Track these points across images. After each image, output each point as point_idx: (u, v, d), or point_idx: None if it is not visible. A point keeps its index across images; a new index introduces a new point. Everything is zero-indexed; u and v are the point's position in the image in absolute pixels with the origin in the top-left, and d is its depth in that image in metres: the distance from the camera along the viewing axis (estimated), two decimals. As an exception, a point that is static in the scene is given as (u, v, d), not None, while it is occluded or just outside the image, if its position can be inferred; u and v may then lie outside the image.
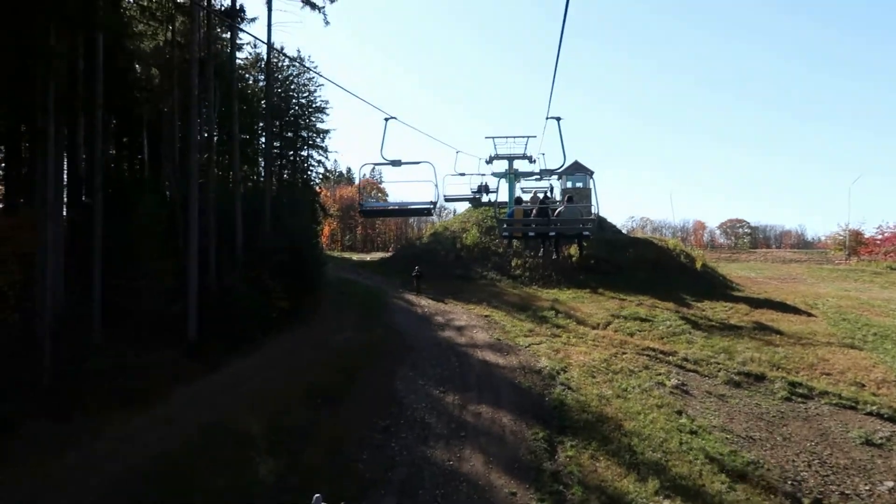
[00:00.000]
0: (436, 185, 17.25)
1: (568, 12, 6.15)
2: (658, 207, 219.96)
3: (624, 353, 21.46)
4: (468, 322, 24.86)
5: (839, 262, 58.57)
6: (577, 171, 41.73)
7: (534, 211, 18.52)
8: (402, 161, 16.81)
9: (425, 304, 28.49)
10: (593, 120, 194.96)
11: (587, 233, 18.34)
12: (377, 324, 23.95)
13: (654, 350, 22.02)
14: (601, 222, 45.22)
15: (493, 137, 38.43)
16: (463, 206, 46.41)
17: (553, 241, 22.01)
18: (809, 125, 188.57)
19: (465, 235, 37.84)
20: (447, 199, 37.74)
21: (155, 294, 18.53)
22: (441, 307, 27.75)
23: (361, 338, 22.16)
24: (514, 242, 36.36)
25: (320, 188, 63.77)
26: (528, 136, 37.79)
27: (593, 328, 25.21)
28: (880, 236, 55.01)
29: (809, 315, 28.43)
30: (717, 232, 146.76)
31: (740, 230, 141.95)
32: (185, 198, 20.70)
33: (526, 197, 22.94)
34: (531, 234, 19.52)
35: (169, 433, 13.76)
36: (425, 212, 19.04)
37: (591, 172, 42.16)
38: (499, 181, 39.53)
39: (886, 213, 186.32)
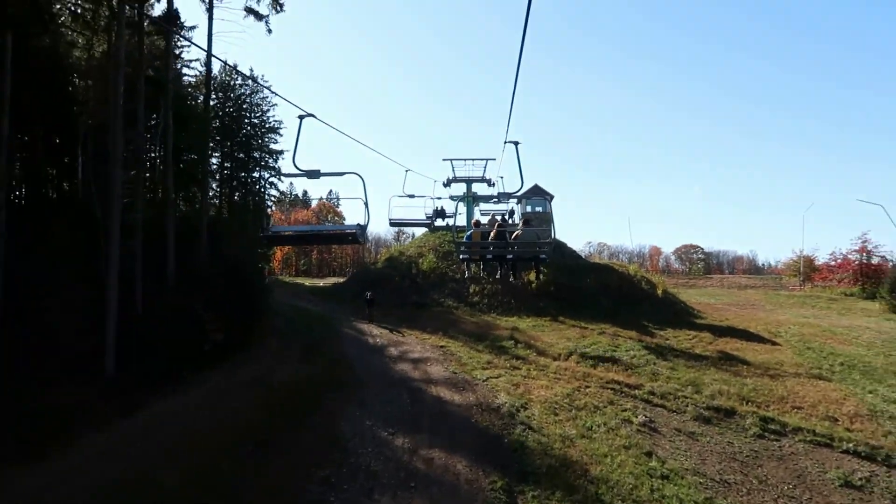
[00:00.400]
0: (365, 204, 15.73)
1: (526, 36, 5.36)
2: (614, 233, 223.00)
3: (587, 387, 20.15)
4: (423, 354, 23.25)
5: (793, 288, 59.12)
6: (537, 194, 40.84)
7: (492, 234, 17.73)
8: (322, 171, 15.00)
9: (378, 333, 26.76)
10: (552, 145, 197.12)
11: (544, 256, 18.46)
12: (325, 356, 22.10)
13: (618, 383, 20.78)
14: (561, 247, 44.41)
15: (451, 160, 37.48)
16: (421, 230, 45.05)
17: (510, 264, 20.88)
18: (762, 152, 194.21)
19: (421, 261, 36.34)
20: (392, 224, 36.63)
21: (67, 325, 16.41)
22: (395, 337, 26.06)
23: (305, 372, 20.31)
24: (472, 267, 35.09)
25: (272, 211, 61.50)
26: (487, 159, 36.92)
27: (554, 359, 23.89)
28: (833, 262, 55.67)
29: (774, 344, 27.73)
30: (672, 257, 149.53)
31: (694, 256, 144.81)
32: (106, 218, 18.67)
33: (485, 220, 22.45)
34: (489, 256, 18.78)
35: (67, 494, 11.71)
36: (349, 238, 16.26)
37: (551, 196, 41.37)
38: (456, 204, 38.44)
39: (836, 241, 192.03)
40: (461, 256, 19.32)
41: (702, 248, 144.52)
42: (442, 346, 24.19)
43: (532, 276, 33.97)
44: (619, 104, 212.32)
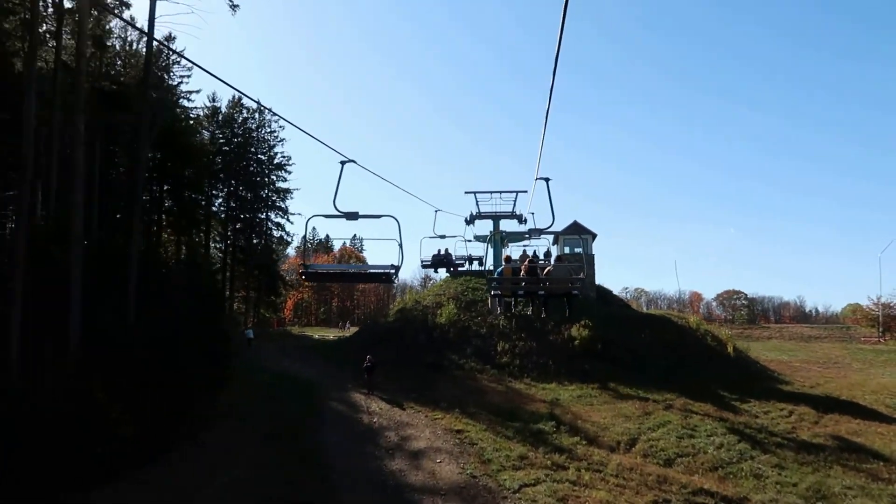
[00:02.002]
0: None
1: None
2: (648, 278, 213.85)
3: (667, 503, 13.73)
4: (431, 443, 17.05)
5: (867, 340, 51.81)
6: (576, 232, 34.83)
7: (523, 269, 17.61)
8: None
9: (377, 409, 20.59)
10: (581, 183, 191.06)
11: (576, 292, 17.83)
12: (291, 452, 15.99)
13: (711, 495, 14.31)
14: (605, 296, 38.07)
15: (475, 192, 31.80)
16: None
17: (542, 300, 20.47)
18: (806, 194, 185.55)
19: (439, 312, 30.37)
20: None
21: None
22: (397, 415, 19.84)
23: (256, 481, 14.30)
24: (501, 320, 29.04)
25: (275, 255, 56.36)
26: (517, 192, 31.13)
27: (612, 450, 17.54)
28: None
29: (900, 423, 21.00)
30: (714, 304, 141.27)
31: (737, 302, 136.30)
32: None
33: (516, 255, 20.65)
34: (520, 292, 18.99)
35: None
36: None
37: (593, 235, 35.31)
38: (487, 246, 32.60)
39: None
40: (492, 293, 19.32)
41: (745, 294, 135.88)
42: (458, 431, 17.93)
43: (576, 330, 27.75)
44: (650, 131, 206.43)
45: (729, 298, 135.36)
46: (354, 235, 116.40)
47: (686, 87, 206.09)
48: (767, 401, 23.55)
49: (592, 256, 35.18)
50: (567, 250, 35.33)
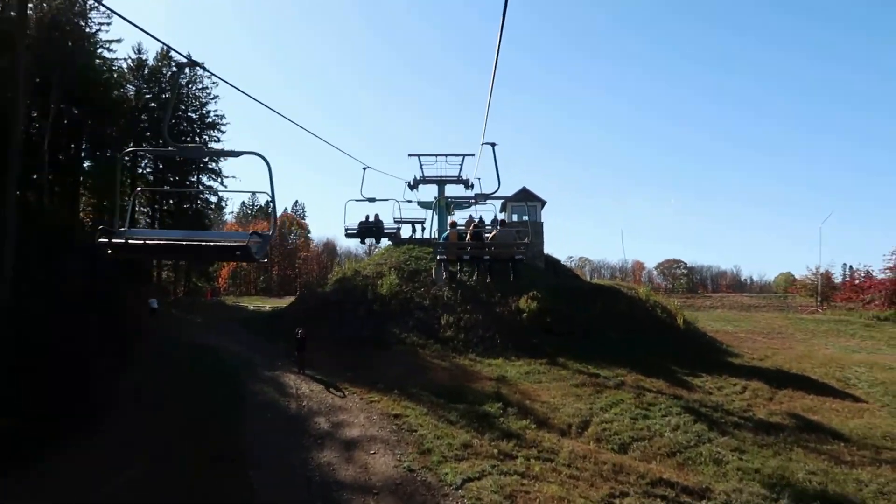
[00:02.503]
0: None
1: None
2: (591, 246, 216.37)
3: (625, 496, 12.41)
4: (366, 430, 15.27)
5: (804, 308, 52.64)
6: (525, 199, 33.26)
7: (468, 234, 17.79)
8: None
9: (307, 391, 18.59)
10: (526, 151, 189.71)
11: (521, 257, 18.13)
12: (206, 443, 13.95)
13: (671, 486, 13.09)
14: (555, 265, 36.84)
15: (419, 155, 29.65)
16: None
17: (487, 265, 19.75)
18: (741, 162, 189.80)
19: (380, 283, 28.39)
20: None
21: None
22: (330, 399, 17.87)
23: (160, 479, 12.28)
24: (445, 292, 27.40)
25: (208, 220, 52.97)
26: (463, 155, 29.16)
27: (563, 434, 16.19)
28: (857, 281, 49.03)
29: (855, 399, 20.43)
30: (655, 272, 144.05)
31: (677, 271, 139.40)
32: None
33: (461, 222, 20.39)
34: (465, 257, 18.73)
35: None
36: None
37: (543, 202, 33.87)
38: (431, 213, 30.85)
39: (844, 256, 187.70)
40: (438, 257, 19.34)
41: (685, 263, 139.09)
42: (396, 416, 16.20)
43: (523, 302, 26.36)
44: (595, 109, 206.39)
45: (669, 268, 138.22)
46: (296, 202, 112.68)
47: (627, 65, 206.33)
48: (720, 375, 22.76)
49: (541, 224, 33.71)
50: (515, 218, 33.79)
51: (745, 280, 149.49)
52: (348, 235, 24.90)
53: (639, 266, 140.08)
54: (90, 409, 14.49)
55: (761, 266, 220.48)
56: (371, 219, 24.55)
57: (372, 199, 25.07)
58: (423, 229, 31.70)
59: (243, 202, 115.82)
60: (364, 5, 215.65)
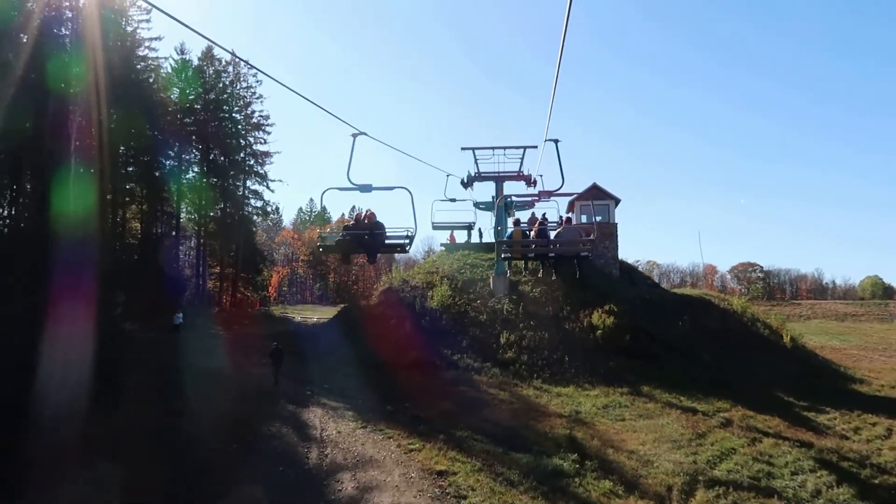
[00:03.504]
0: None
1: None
2: (660, 251, 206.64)
3: None
4: (400, 495, 11.66)
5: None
6: (597, 198, 29.11)
7: (532, 232, 17.30)
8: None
9: (334, 433, 15.02)
10: (592, 152, 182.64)
11: (586, 254, 16.49)
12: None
13: None
14: (630, 273, 32.47)
15: (474, 149, 26.02)
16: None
17: (552, 263, 19.16)
18: (820, 166, 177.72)
19: (430, 293, 24.93)
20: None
21: None
22: (360, 447, 14.29)
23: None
24: (505, 304, 23.72)
25: (254, 226, 50.63)
26: (524, 147, 25.35)
27: (663, 503, 12.17)
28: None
29: None
30: (728, 276, 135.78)
31: (752, 275, 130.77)
32: None
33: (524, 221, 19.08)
34: (530, 255, 18.15)
35: None
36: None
37: (617, 200, 29.63)
38: (494, 214, 27.10)
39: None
40: (503, 256, 18.68)
41: (760, 266, 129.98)
42: (441, 474, 12.54)
43: (596, 317, 22.36)
44: (662, 103, 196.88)
45: (744, 271, 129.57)
46: (353, 207, 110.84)
47: (694, 58, 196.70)
48: (850, 410, 18.17)
49: (615, 225, 29.49)
50: (584, 219, 29.62)
51: (828, 284, 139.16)
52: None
53: (711, 270, 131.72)
54: (46, 467, 11.38)
55: (845, 269, 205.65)
56: (362, 215, 14.36)
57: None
58: (471, 233, 28.68)
59: (300, 208, 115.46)
60: None
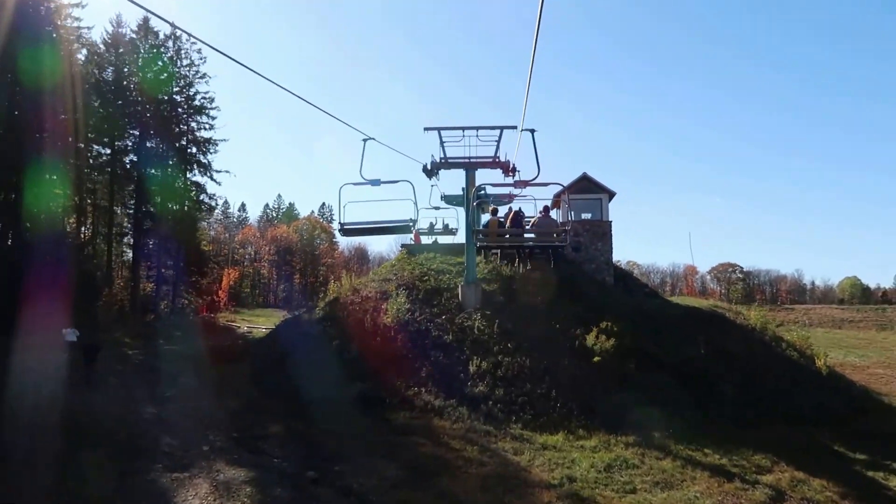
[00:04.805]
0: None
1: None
2: (637, 248, 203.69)
3: None
4: None
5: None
6: (587, 190, 24.48)
7: (507, 222, 18.24)
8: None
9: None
10: (564, 146, 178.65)
11: (560, 244, 17.39)
12: None
13: None
14: (624, 279, 27.90)
15: (439, 129, 21.30)
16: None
17: (526, 253, 20.05)
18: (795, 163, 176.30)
19: (385, 306, 20.10)
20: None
21: None
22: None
23: None
24: (476, 320, 19.05)
25: (198, 222, 45.21)
26: (501, 128, 20.70)
27: None
28: None
29: None
30: (709, 278, 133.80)
31: (733, 276, 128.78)
32: None
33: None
34: (505, 245, 19.01)
35: None
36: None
37: (611, 193, 25.03)
38: (466, 209, 22.35)
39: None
40: (478, 245, 18.56)
41: (740, 267, 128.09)
42: None
43: (591, 338, 17.72)
44: (627, 109, 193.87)
45: (724, 272, 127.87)
46: (323, 204, 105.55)
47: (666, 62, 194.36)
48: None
49: (609, 223, 24.79)
50: (572, 216, 24.95)
51: (807, 285, 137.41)
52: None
53: (691, 270, 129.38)
54: None
55: (824, 270, 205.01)
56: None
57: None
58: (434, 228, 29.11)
59: (267, 204, 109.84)
60: None
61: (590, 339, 17.78)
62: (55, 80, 32.05)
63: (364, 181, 16.36)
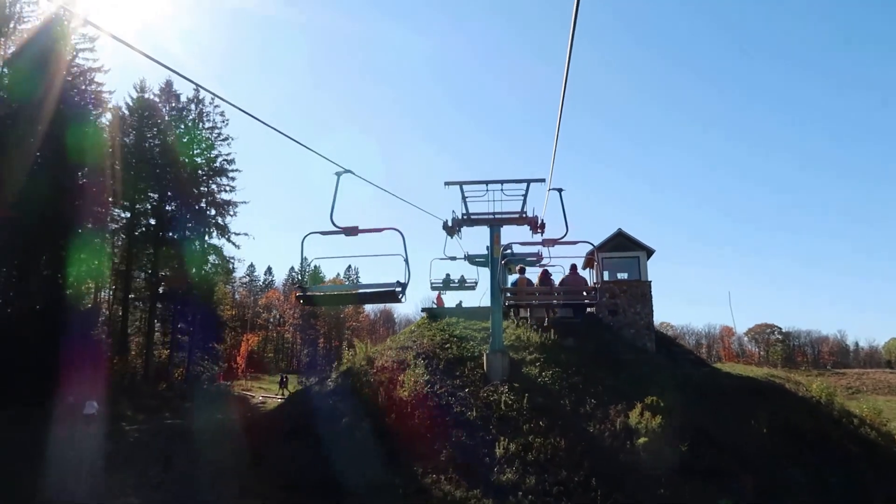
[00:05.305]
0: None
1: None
2: (668, 309, 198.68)
3: None
4: None
5: None
6: (622, 247, 22.59)
7: (537, 281, 18.25)
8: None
9: None
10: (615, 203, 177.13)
11: (588, 301, 16.46)
12: None
13: None
14: (668, 345, 25.52)
15: (461, 183, 19.86)
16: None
17: (553, 313, 19.45)
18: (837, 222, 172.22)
19: (401, 378, 18.16)
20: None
21: None
22: None
23: None
24: (503, 393, 16.99)
25: (217, 287, 44.12)
26: (528, 181, 19.19)
27: None
28: None
29: None
30: (746, 339, 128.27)
31: (771, 337, 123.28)
32: None
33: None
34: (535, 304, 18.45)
35: None
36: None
37: (649, 251, 23.06)
38: (494, 270, 20.48)
39: None
40: (507, 304, 17.20)
41: (779, 328, 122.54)
42: None
43: (635, 417, 15.48)
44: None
45: (762, 333, 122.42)
46: (349, 266, 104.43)
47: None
48: None
49: (649, 284, 22.69)
50: (606, 276, 22.95)
51: (850, 346, 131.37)
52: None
53: (727, 331, 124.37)
54: None
55: (868, 331, 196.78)
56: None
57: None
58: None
59: (292, 267, 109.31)
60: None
61: (633, 417, 15.51)
62: (96, 154, 32.03)
63: (336, 229, 12.19)
